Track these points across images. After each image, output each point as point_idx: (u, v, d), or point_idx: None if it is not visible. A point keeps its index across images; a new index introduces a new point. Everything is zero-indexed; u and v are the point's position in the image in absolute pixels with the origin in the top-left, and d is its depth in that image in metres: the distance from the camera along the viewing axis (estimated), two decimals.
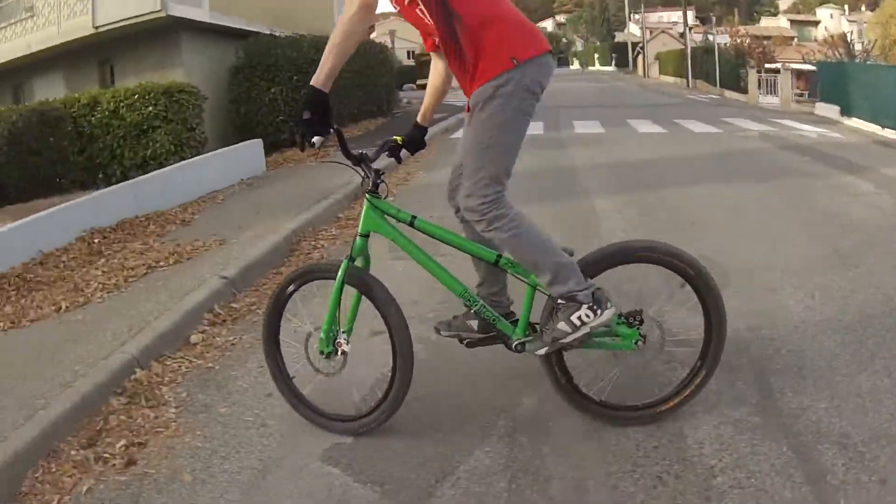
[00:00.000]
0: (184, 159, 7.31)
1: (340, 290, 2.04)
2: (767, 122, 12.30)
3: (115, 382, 2.55)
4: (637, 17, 53.24)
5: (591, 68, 55.19)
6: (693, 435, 2.06)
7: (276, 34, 10.05)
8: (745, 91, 21.89)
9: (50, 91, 10.67)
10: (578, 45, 71.13)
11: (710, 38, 32.62)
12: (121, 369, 2.62)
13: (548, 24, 70.04)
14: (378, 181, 2.05)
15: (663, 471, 1.91)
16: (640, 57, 40.24)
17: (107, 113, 7.84)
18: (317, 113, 1.81)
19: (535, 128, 11.16)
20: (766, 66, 24.97)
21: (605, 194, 5.76)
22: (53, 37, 10.92)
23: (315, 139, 1.83)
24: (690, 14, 68.78)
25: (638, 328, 2.00)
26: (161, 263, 4.09)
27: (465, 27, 1.79)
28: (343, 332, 2.09)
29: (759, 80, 21.16)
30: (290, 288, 2.18)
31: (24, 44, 11.52)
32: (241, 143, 7.35)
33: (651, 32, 41.99)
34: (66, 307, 3.52)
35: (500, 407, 2.30)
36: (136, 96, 7.41)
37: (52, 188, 7.45)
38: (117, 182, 7.13)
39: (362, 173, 2.06)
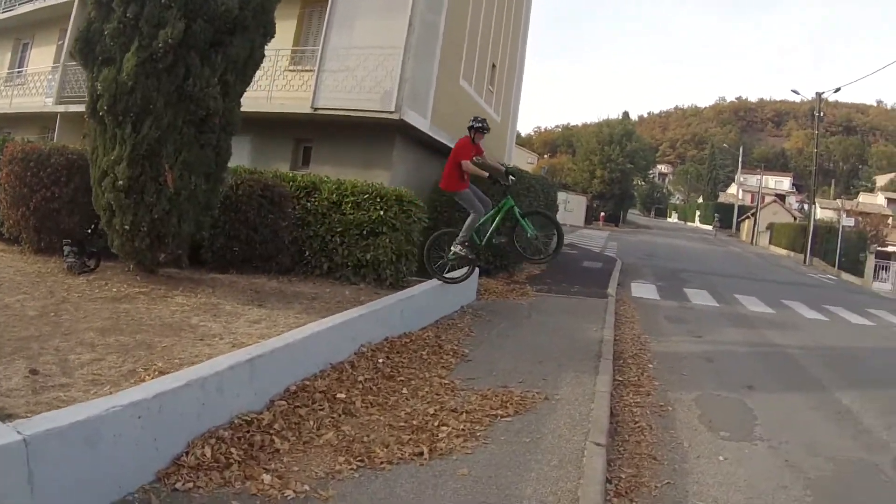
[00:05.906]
0: (399, 270, 7.14)
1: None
2: None
3: None
4: (742, 179, 53.39)
5: (689, 224, 55.35)
6: None
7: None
8: (860, 274, 21.77)
9: (235, 154, 10.86)
10: (677, 198, 71.89)
11: (806, 207, 32.96)
12: None
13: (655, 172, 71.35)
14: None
15: None
16: (747, 222, 39.82)
17: (325, 203, 7.79)
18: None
19: (698, 297, 10.78)
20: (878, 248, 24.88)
21: (843, 389, 5.54)
22: (261, 104, 11.10)
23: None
24: (787, 180, 68.19)
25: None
26: (499, 412, 3.81)
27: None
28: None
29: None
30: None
31: None
32: None
33: (763, 198, 41.70)
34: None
35: None
36: (365, 195, 7.36)
37: (264, 266, 7.35)
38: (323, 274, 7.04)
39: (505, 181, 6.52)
